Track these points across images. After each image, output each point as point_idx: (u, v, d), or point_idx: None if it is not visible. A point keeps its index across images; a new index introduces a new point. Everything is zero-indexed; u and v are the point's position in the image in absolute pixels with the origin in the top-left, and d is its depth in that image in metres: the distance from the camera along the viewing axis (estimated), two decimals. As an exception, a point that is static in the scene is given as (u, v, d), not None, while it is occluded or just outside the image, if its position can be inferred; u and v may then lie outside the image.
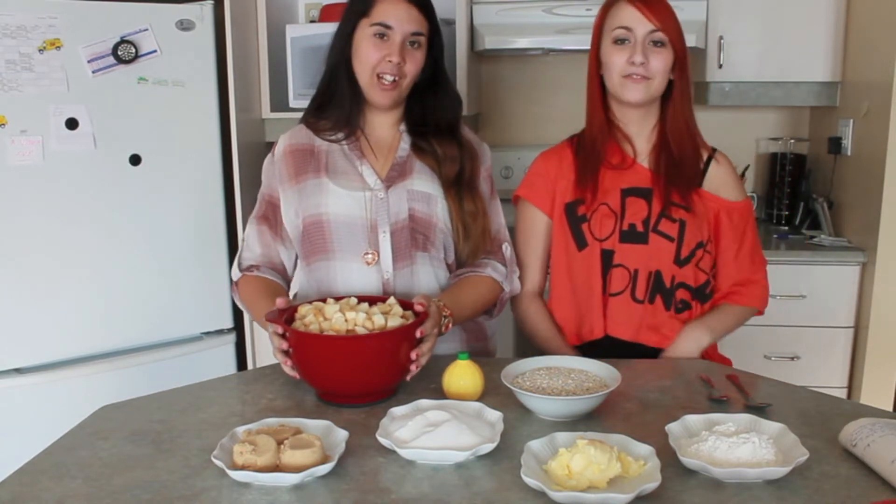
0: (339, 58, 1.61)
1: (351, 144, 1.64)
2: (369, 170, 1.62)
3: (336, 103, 1.64)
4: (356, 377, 1.33)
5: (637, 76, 1.60)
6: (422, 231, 1.62)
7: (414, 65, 1.58)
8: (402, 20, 1.54)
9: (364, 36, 1.56)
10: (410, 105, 1.65)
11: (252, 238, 1.70)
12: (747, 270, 1.72)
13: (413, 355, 1.35)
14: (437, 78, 1.64)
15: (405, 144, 1.65)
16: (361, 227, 1.60)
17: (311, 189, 1.62)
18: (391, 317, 1.38)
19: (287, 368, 1.38)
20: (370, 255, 1.59)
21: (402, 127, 1.67)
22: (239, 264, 1.70)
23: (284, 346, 1.36)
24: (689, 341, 1.65)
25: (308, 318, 1.37)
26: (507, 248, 1.71)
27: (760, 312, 1.77)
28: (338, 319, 1.35)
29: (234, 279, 1.70)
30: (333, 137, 1.65)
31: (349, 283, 1.61)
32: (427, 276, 1.64)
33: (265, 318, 1.40)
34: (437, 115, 1.65)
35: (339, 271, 1.62)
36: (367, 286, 1.60)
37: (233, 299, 2.72)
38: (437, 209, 1.62)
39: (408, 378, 1.38)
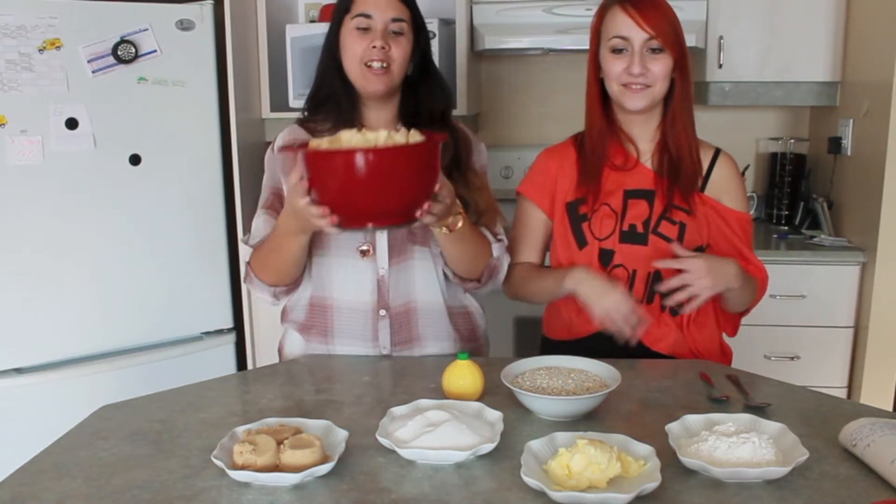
0: (330, 57, 1.62)
1: None
2: None
3: (331, 103, 1.63)
4: (377, 194, 1.25)
5: (637, 86, 1.60)
6: None
7: (399, 50, 1.57)
8: (381, 8, 1.56)
9: (348, 31, 1.58)
10: (404, 99, 1.66)
11: (260, 225, 1.65)
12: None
13: (426, 206, 1.31)
14: (426, 70, 1.65)
15: None
16: None
17: None
18: (411, 136, 1.30)
19: (313, 210, 1.30)
20: (366, 246, 1.59)
21: (400, 125, 1.65)
22: (248, 244, 1.65)
23: (305, 184, 1.29)
24: (728, 267, 1.56)
25: (324, 146, 1.30)
26: (502, 232, 1.70)
27: (761, 292, 1.70)
28: (357, 140, 1.28)
29: (248, 260, 1.64)
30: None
31: (344, 277, 1.61)
32: (424, 271, 1.63)
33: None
34: (430, 106, 1.65)
35: (333, 266, 1.62)
36: (362, 281, 1.60)
37: (231, 301, 2.76)
38: None
39: (417, 215, 1.32)
